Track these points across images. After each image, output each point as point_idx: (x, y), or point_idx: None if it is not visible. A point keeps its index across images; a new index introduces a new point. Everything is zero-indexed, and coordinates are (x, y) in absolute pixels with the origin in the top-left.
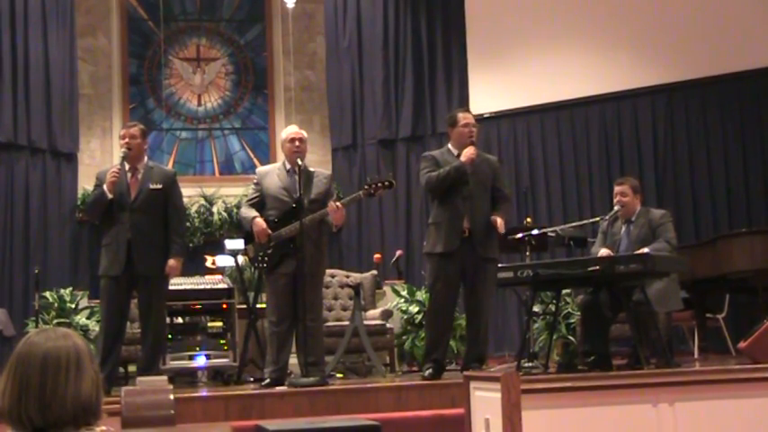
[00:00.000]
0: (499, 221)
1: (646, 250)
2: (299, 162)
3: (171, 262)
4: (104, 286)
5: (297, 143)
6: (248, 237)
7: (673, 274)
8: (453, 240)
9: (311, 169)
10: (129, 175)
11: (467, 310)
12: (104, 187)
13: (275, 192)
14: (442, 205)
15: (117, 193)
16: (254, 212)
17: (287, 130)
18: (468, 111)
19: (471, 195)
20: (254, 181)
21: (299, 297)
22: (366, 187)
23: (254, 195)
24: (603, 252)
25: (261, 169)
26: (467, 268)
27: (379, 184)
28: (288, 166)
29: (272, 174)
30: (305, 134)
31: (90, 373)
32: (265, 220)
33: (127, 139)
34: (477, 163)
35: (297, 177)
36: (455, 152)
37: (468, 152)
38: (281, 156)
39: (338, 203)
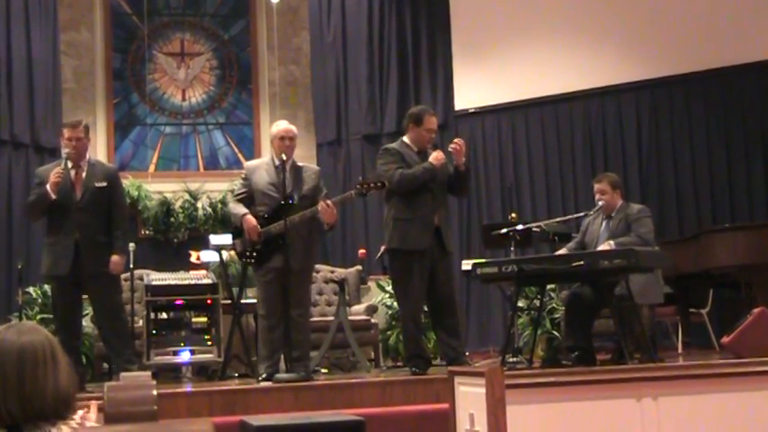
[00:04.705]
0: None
1: (612, 243)
2: (284, 157)
3: (114, 258)
4: (55, 288)
5: (287, 141)
6: (236, 231)
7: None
8: (426, 236)
9: (300, 164)
10: (72, 172)
11: (440, 303)
12: (47, 187)
13: (264, 188)
14: (409, 201)
15: (61, 192)
16: (243, 209)
17: (278, 126)
18: (434, 114)
19: (438, 193)
20: (242, 176)
21: (287, 292)
22: (358, 186)
23: (243, 191)
24: (564, 251)
25: (249, 164)
26: (434, 263)
27: (372, 185)
28: (276, 162)
29: (261, 169)
30: (295, 131)
31: (64, 365)
32: (255, 216)
33: (74, 142)
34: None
35: (285, 174)
36: (415, 148)
37: (440, 156)
38: (265, 151)
39: (329, 202)
